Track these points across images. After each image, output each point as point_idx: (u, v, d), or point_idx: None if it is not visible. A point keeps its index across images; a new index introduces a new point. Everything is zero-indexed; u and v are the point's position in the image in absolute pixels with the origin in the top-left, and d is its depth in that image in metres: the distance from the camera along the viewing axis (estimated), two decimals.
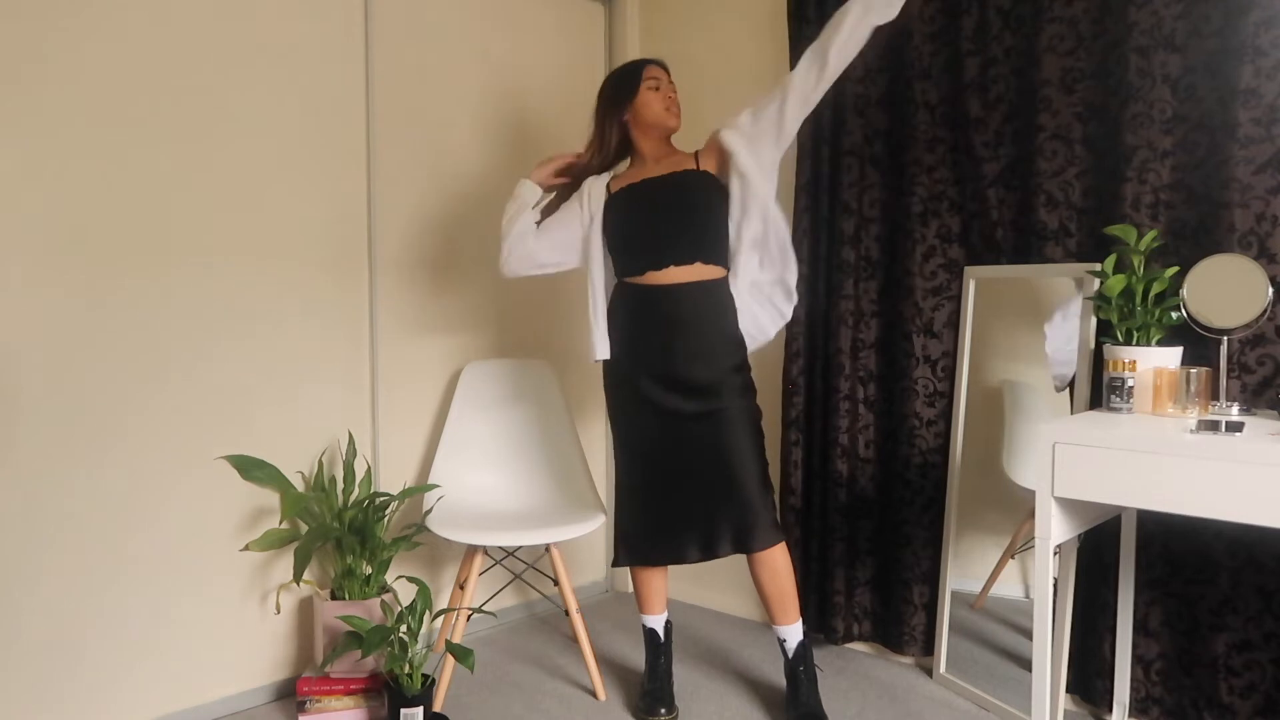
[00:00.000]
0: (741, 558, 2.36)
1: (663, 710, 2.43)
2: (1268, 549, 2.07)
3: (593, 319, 2.42)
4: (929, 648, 2.66)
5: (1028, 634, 2.41)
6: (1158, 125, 2.20)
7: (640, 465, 2.41)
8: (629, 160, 2.51)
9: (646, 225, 2.37)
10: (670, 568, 2.58)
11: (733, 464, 2.30)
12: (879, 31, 2.72)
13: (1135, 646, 2.25)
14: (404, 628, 2.25)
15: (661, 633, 2.53)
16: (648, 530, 2.41)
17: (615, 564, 2.50)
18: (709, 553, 2.34)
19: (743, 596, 3.12)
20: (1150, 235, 2.07)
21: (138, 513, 2.28)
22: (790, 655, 2.38)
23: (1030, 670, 1.92)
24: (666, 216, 2.35)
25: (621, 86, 2.43)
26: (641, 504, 2.41)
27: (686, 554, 2.36)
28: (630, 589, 3.41)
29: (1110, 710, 2.28)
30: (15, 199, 2.07)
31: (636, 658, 2.78)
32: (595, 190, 2.44)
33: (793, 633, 2.37)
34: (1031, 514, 1.90)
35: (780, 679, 2.49)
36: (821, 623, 2.83)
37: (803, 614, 2.40)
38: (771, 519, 2.34)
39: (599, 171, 2.47)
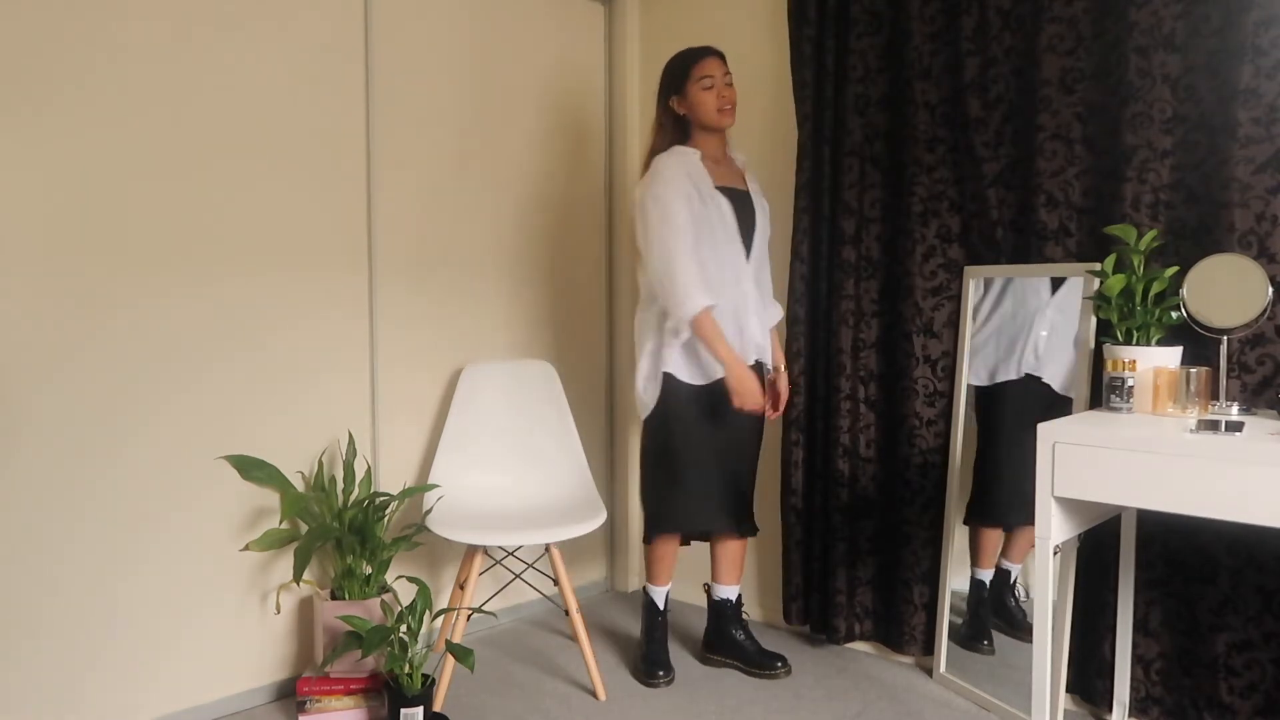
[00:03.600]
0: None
1: (661, 673, 2.62)
2: (1268, 549, 2.07)
3: (683, 267, 2.45)
4: (929, 647, 2.66)
5: (1028, 634, 2.41)
6: (1158, 125, 2.20)
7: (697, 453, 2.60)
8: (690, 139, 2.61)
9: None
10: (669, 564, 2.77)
11: (753, 458, 2.71)
12: (879, 32, 2.74)
13: (1135, 646, 2.25)
14: (404, 628, 2.25)
15: (663, 602, 2.73)
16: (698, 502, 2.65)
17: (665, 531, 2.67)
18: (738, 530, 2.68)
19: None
20: (1150, 235, 2.07)
21: (138, 513, 2.28)
22: (738, 602, 2.75)
23: (1030, 670, 1.92)
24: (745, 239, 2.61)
25: (671, 79, 2.60)
26: (692, 480, 2.61)
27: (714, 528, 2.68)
28: (630, 589, 3.41)
29: (1110, 710, 2.28)
30: (17, 204, 2.07)
31: (637, 659, 2.78)
32: (694, 167, 2.54)
33: (734, 591, 2.76)
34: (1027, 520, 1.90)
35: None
36: (823, 622, 2.83)
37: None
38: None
39: (665, 149, 2.58)
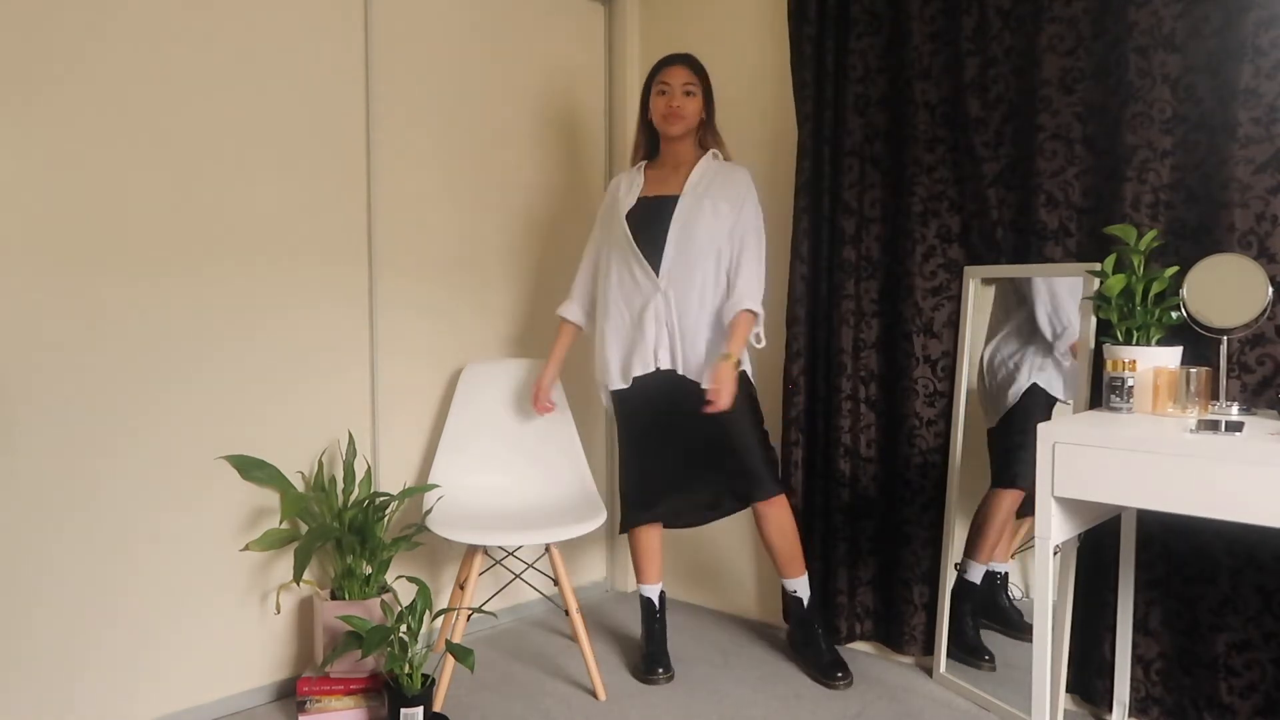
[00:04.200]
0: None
1: (660, 670, 2.64)
2: (1268, 549, 2.07)
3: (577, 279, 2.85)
4: (929, 647, 2.66)
5: (1027, 634, 2.41)
6: (1158, 125, 2.20)
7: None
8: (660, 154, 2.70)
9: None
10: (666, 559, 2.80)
11: (724, 441, 2.64)
12: (879, 32, 2.75)
13: (1135, 646, 2.25)
14: (404, 628, 2.25)
15: (656, 600, 2.77)
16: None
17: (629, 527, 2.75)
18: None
19: (740, 595, 3.13)
20: (1150, 235, 2.07)
21: (138, 513, 2.28)
22: (805, 605, 2.67)
23: (1030, 670, 1.92)
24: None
25: (644, 85, 2.69)
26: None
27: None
28: (630, 588, 3.41)
29: (1110, 710, 2.28)
30: (14, 202, 2.07)
31: (637, 659, 2.78)
32: (630, 185, 2.67)
33: (800, 585, 2.68)
34: (1031, 513, 1.89)
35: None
36: (824, 622, 2.82)
37: None
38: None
39: (633, 164, 2.76)
